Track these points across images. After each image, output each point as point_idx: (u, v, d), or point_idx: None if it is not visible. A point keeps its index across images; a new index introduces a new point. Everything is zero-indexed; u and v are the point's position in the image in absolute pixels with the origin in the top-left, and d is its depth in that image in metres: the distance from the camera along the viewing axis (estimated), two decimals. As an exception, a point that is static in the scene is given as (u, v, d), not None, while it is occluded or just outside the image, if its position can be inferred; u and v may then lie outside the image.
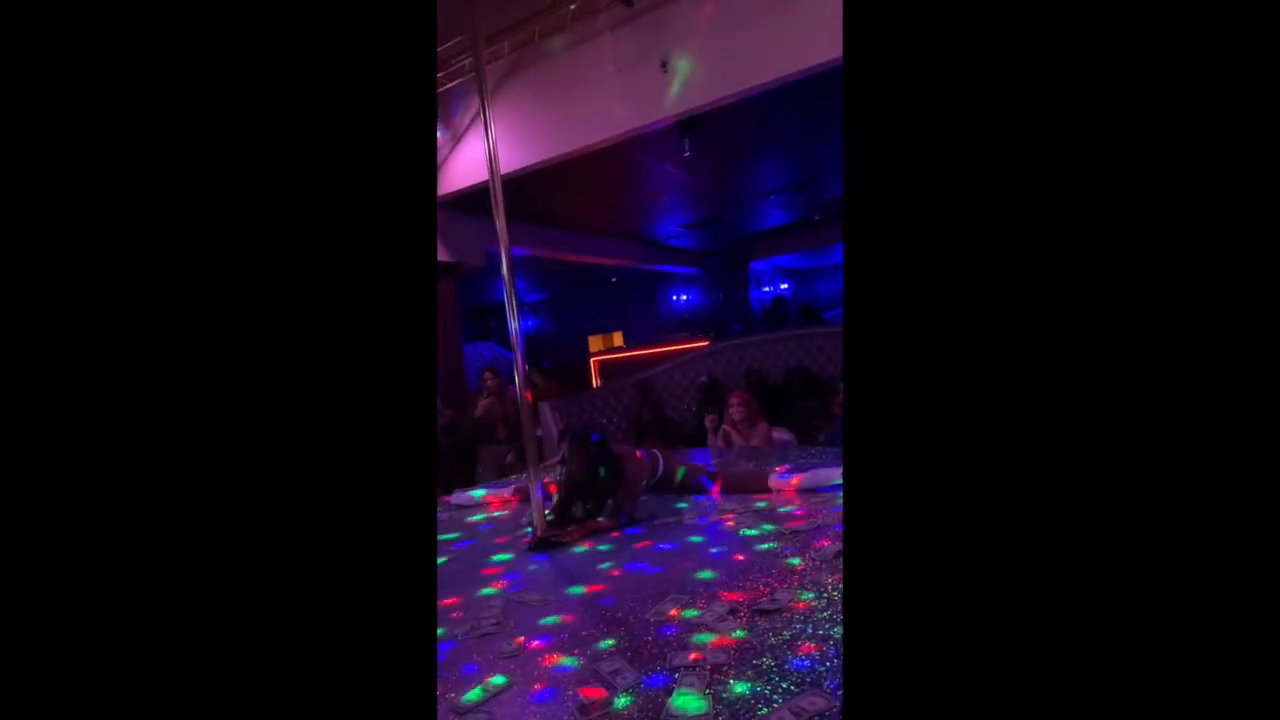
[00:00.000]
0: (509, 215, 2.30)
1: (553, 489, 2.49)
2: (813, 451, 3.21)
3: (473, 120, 4.73)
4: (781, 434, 3.83)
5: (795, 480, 2.45)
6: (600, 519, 2.34)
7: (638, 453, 2.55)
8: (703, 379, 5.31)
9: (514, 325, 2.26)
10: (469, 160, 4.85)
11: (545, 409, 4.89)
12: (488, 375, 4.82)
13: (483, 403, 4.79)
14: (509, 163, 4.29)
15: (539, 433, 5.09)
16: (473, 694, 1.21)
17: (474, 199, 5.08)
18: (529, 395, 2.34)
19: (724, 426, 3.79)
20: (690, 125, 4.22)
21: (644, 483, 2.52)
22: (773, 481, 2.48)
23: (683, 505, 2.53)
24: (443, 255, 5.54)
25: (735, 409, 3.73)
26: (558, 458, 2.48)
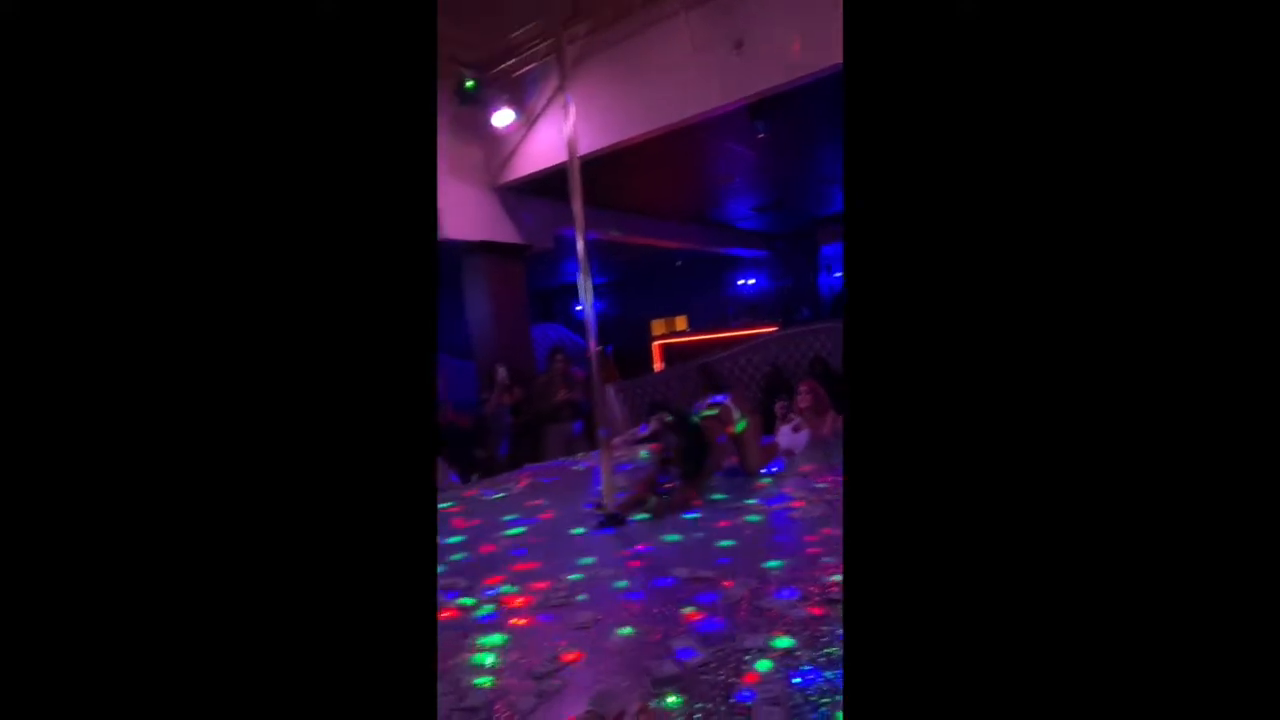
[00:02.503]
0: (565, 197, 2.33)
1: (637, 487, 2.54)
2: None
3: (547, 104, 4.79)
4: (850, 424, 3.74)
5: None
6: (679, 491, 2.40)
7: (717, 432, 2.59)
8: (768, 366, 5.24)
9: (589, 309, 2.30)
10: (542, 143, 4.92)
11: (610, 391, 4.96)
12: (559, 357, 4.92)
13: (541, 379, 4.91)
14: (582, 146, 4.34)
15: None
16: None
17: (545, 182, 5.17)
18: (608, 375, 2.40)
19: (791, 414, 3.73)
20: (763, 107, 4.13)
21: (722, 461, 2.59)
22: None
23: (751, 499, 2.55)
24: (513, 237, 5.67)
25: (801, 397, 3.67)
26: (646, 432, 2.56)
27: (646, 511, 2.32)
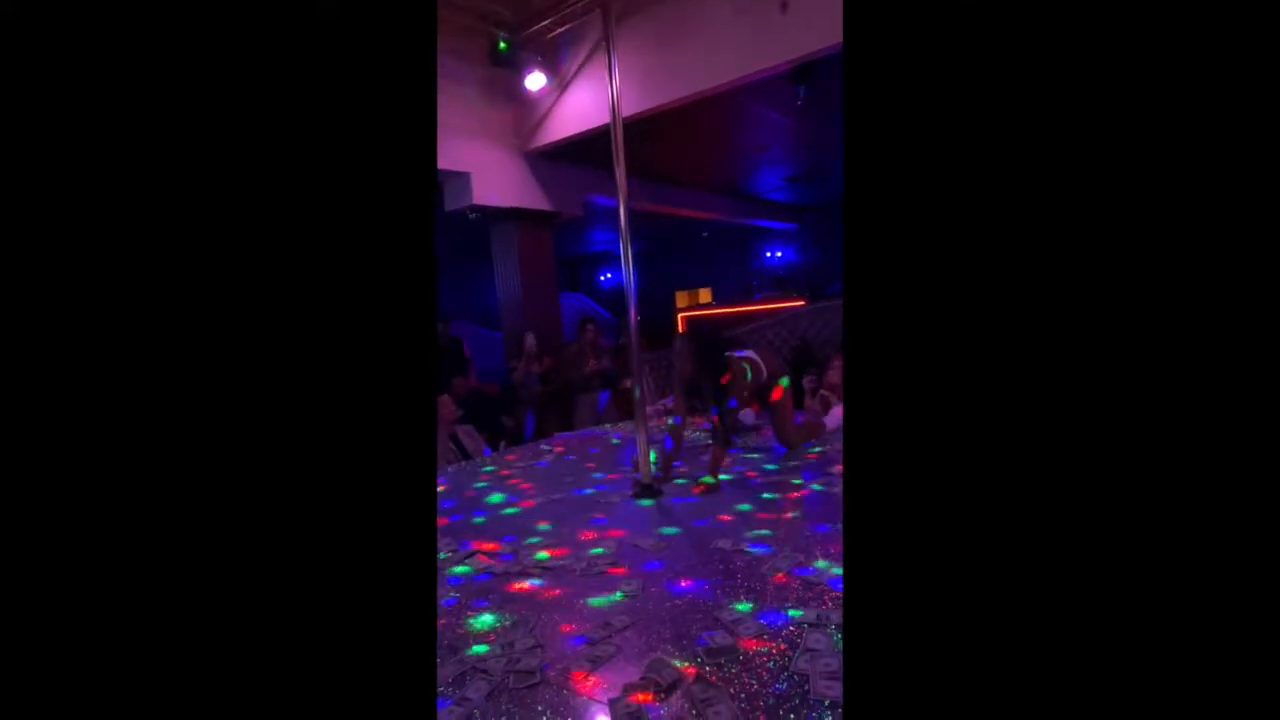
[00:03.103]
0: (600, 165, 2.30)
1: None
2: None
3: (580, 68, 4.68)
4: (883, 401, 3.69)
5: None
6: (712, 448, 2.39)
7: (737, 365, 2.56)
8: (795, 340, 5.17)
9: (630, 278, 2.27)
10: (575, 108, 4.83)
11: (631, 363, 4.95)
12: (589, 326, 4.92)
13: (571, 348, 4.91)
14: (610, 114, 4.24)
15: (629, 382, 5.18)
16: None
17: (576, 148, 5.09)
18: (642, 344, 2.38)
19: (821, 390, 3.69)
20: (807, 72, 3.99)
21: (745, 392, 2.57)
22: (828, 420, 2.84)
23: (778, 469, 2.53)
24: (542, 204, 5.61)
25: (834, 372, 3.62)
26: (667, 400, 2.56)
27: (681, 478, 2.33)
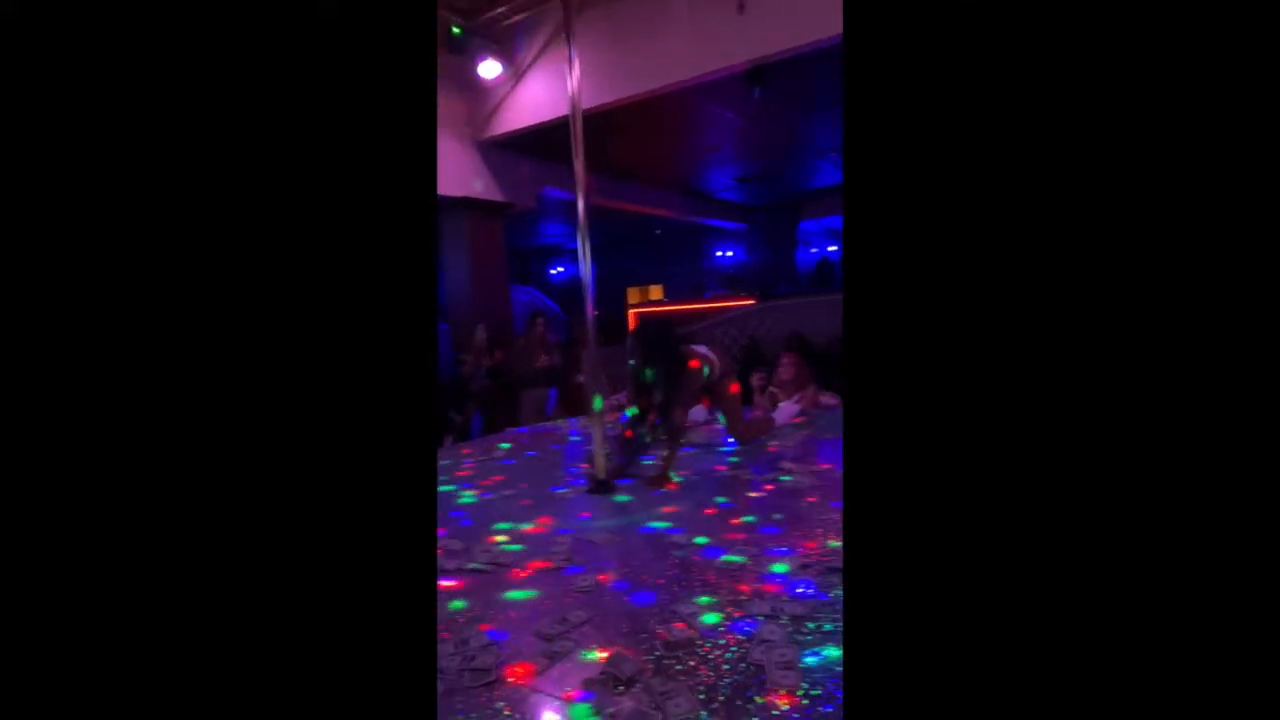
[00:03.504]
0: (554, 157, 2.28)
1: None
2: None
3: (536, 58, 4.61)
4: (829, 399, 3.80)
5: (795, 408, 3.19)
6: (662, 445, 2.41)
7: (693, 361, 2.57)
8: (745, 339, 5.27)
9: (587, 273, 2.26)
10: (530, 98, 4.76)
11: (585, 359, 4.93)
12: (539, 320, 4.86)
13: (520, 342, 4.85)
14: (566, 106, 4.20)
15: (581, 378, 5.16)
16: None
17: (530, 139, 5.01)
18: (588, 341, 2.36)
19: (770, 388, 3.77)
20: (761, 74, 4.06)
21: (697, 389, 2.60)
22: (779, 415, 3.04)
23: (735, 459, 2.58)
24: (494, 194, 5.51)
25: (784, 369, 3.71)
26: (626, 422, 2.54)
27: (633, 476, 2.33)
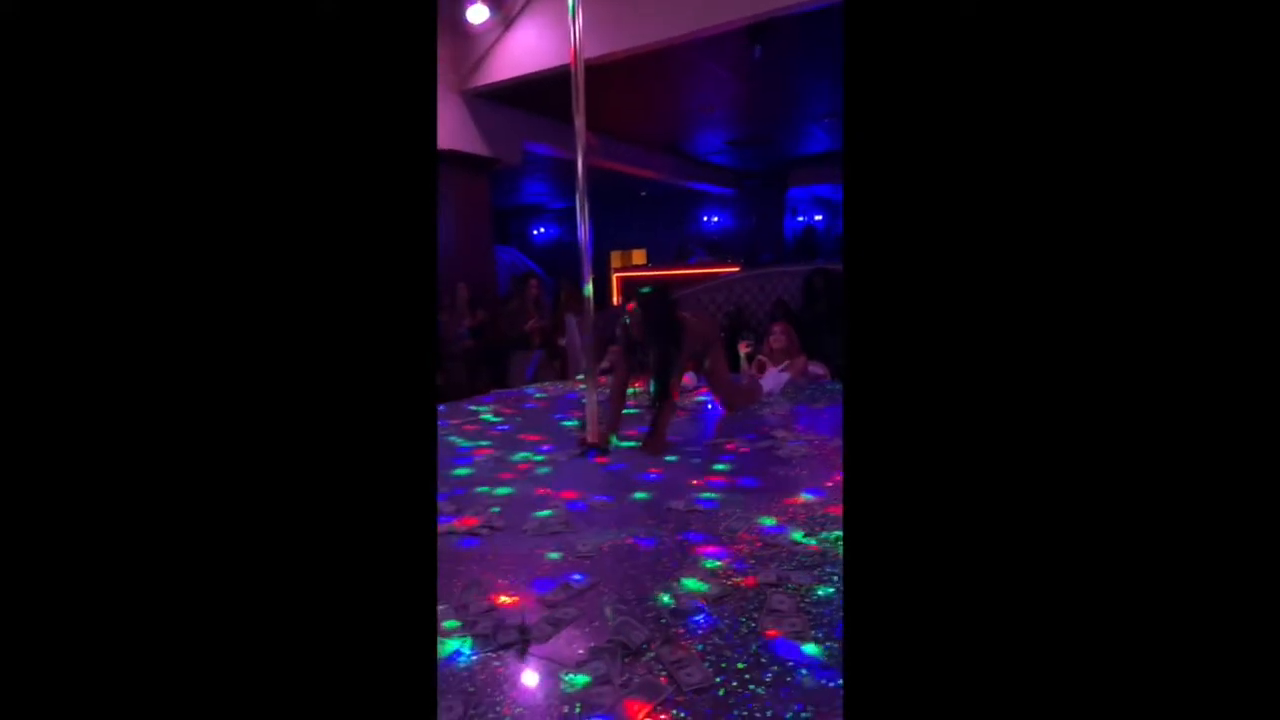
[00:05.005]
0: (541, 111, 2.19)
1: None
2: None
3: (527, 3, 4.39)
4: (816, 368, 3.82)
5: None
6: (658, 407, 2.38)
7: (689, 328, 2.54)
8: (730, 306, 5.24)
9: (585, 236, 2.19)
10: (519, 47, 4.55)
11: (571, 322, 4.86)
12: (533, 282, 4.76)
13: (512, 303, 4.77)
14: (559, 56, 4.02)
15: (562, 342, 5.11)
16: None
17: (518, 91, 4.82)
18: (574, 305, 2.31)
19: (759, 356, 3.77)
20: (762, 31, 3.93)
21: (692, 354, 2.58)
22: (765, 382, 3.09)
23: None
24: (479, 148, 5.31)
25: (775, 338, 3.70)
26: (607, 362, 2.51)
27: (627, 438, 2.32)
